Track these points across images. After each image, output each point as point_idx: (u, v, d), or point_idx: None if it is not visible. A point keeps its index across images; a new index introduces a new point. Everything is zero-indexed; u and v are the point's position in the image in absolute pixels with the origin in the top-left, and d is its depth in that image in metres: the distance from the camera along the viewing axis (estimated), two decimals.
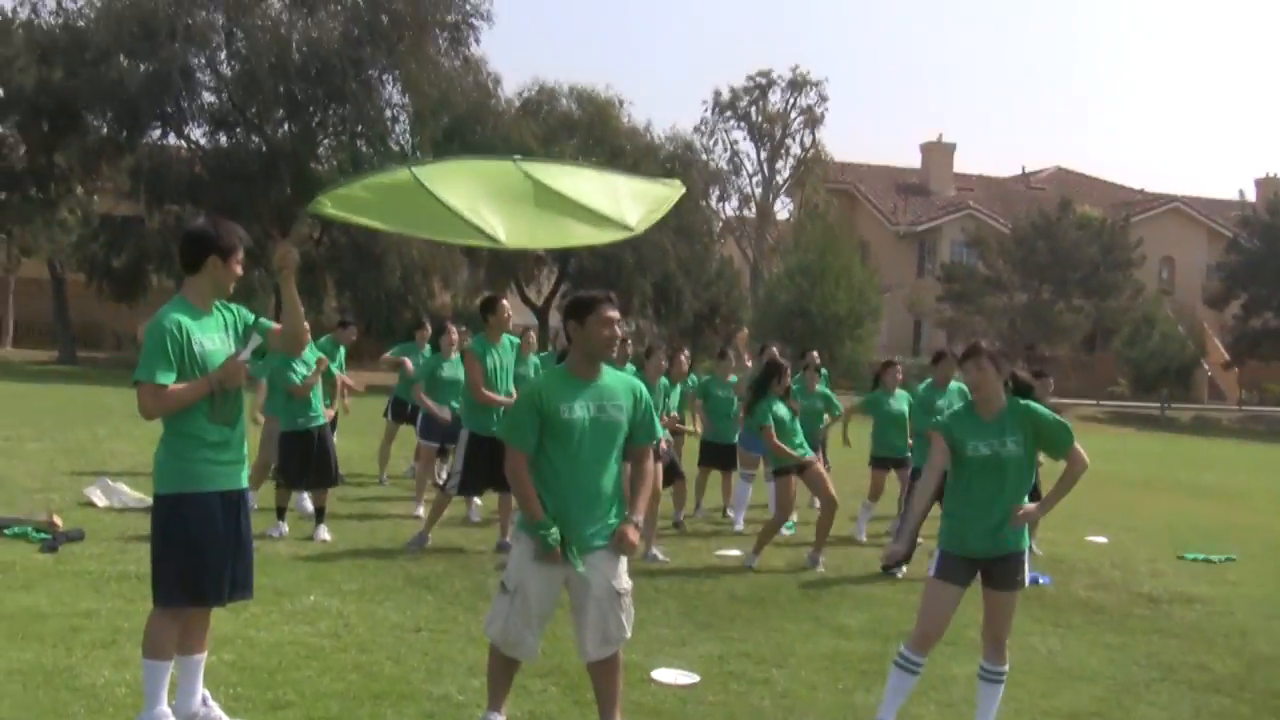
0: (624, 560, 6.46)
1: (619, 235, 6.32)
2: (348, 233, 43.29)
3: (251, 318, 6.34)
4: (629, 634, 6.52)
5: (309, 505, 13.19)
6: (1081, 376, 59.40)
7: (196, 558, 6.06)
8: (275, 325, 6.33)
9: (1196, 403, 58.99)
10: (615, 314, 6.39)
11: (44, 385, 33.79)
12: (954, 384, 13.42)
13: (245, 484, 6.31)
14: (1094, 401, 56.06)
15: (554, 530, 6.19)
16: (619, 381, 6.51)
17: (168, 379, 5.95)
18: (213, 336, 6.15)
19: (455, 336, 14.98)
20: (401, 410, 16.84)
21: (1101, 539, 15.97)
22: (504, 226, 5.92)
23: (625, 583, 6.45)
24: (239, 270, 6.21)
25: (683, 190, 6.80)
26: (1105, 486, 24.11)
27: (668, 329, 49.52)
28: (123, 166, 46.16)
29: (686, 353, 15.62)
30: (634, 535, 6.38)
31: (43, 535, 11.23)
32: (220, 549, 6.13)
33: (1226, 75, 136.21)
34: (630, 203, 6.36)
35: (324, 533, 12.32)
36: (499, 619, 6.40)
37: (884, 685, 7.29)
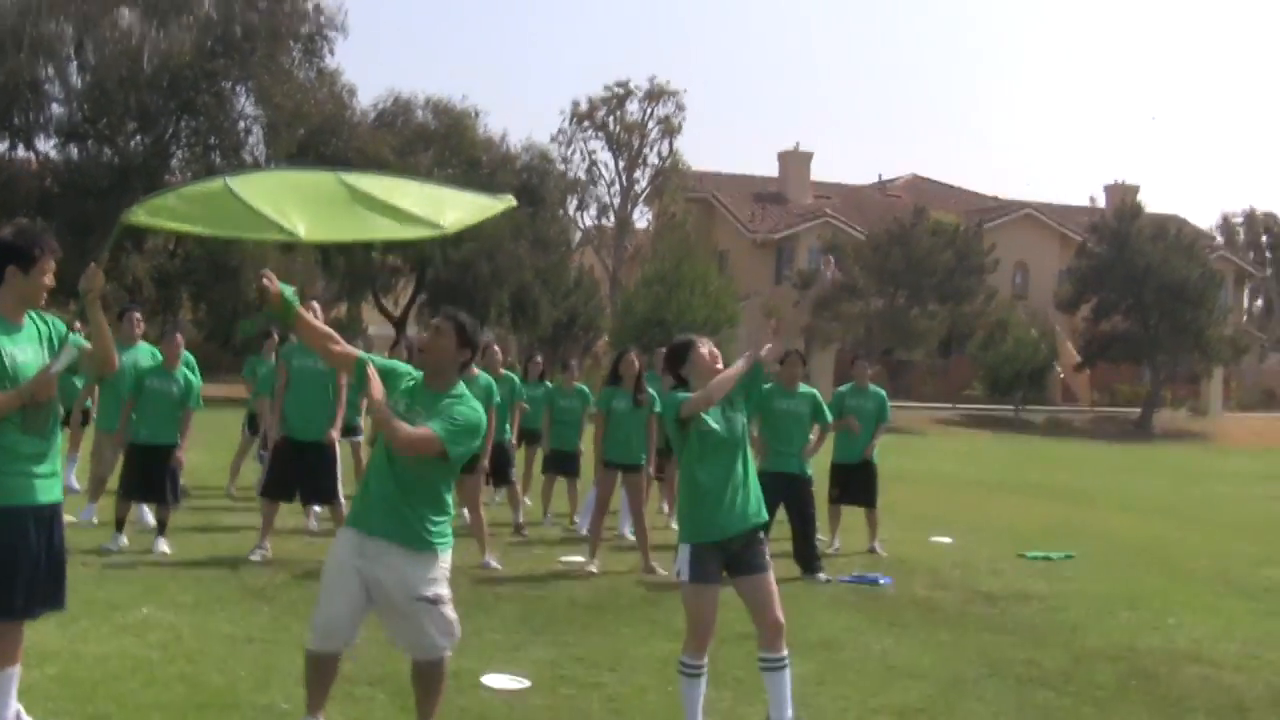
0: (429, 566, 6.38)
1: (427, 232, 6.34)
2: (203, 245, 42.76)
3: (65, 330, 6.27)
4: (446, 645, 6.48)
5: (150, 519, 13.05)
6: (937, 381, 60.29)
7: (6, 571, 5.97)
8: (87, 344, 6.27)
9: (1050, 405, 60.06)
10: (435, 322, 6.60)
11: None
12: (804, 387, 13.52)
13: (59, 497, 6.23)
14: (950, 405, 56.88)
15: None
16: (455, 399, 6.49)
17: None
18: (25, 348, 6.07)
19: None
20: (257, 424, 16.76)
21: (946, 539, 16.20)
22: (305, 223, 5.95)
23: (432, 590, 6.36)
24: (47, 281, 6.11)
25: (512, 203, 6.85)
26: (955, 488, 24.59)
27: (525, 339, 49.53)
28: None
29: (539, 358, 15.96)
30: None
31: None
32: (31, 563, 6.04)
33: (1079, 83, 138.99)
34: (449, 208, 6.40)
35: (163, 545, 12.18)
36: (313, 616, 6.50)
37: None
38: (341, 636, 6.46)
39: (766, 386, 13.14)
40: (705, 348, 7.22)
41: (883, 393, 15.17)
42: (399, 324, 50.02)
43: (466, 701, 7.51)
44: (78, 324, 6.36)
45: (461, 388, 6.54)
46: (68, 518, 12.91)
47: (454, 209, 6.44)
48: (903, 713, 7.92)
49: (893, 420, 15.79)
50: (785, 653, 7.13)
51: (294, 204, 6.09)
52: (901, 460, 27.51)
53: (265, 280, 6.27)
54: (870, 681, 8.67)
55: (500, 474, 14.79)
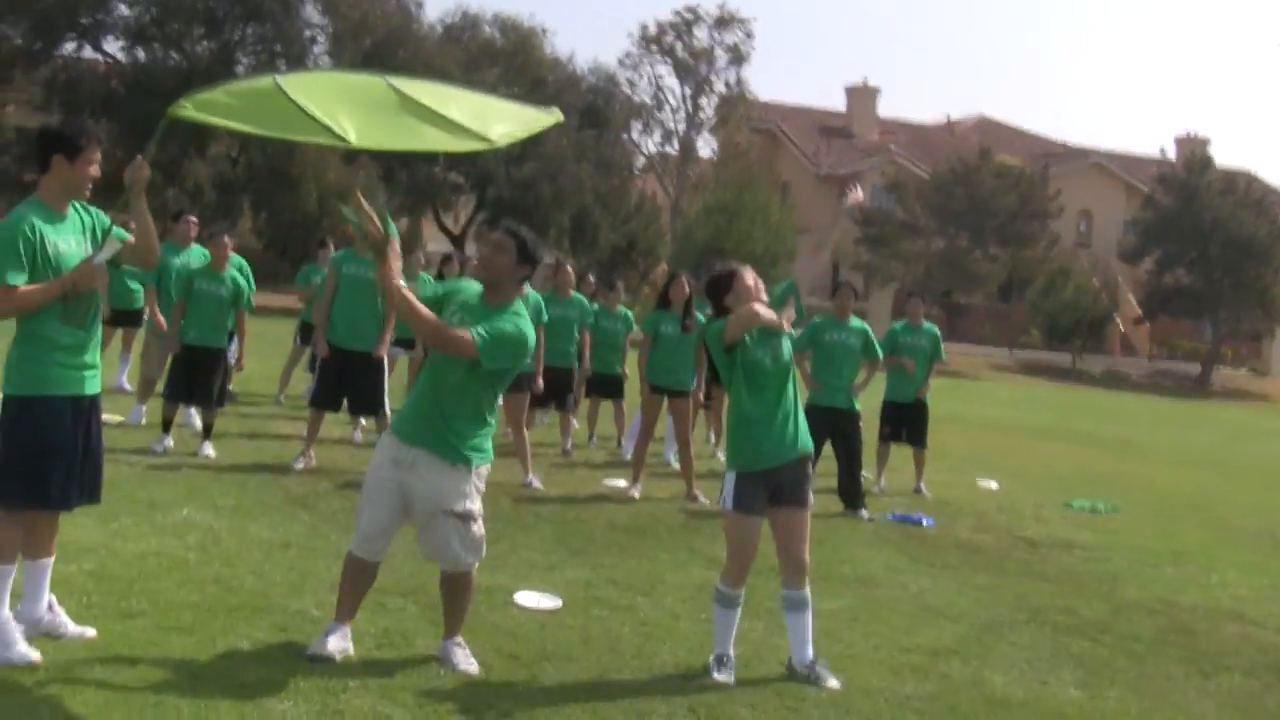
0: (461, 480, 6.39)
1: (476, 145, 6.31)
2: (264, 153, 42.87)
3: (108, 223, 6.24)
4: (470, 559, 6.53)
5: (198, 422, 13.08)
6: (996, 325, 59.88)
7: (42, 461, 5.98)
8: (130, 237, 6.24)
9: (1108, 356, 59.59)
10: (491, 234, 6.60)
11: None
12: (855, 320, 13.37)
13: (97, 390, 6.22)
14: (1007, 350, 56.54)
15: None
16: (513, 313, 6.46)
17: (18, 280, 5.86)
18: (68, 239, 6.06)
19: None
20: (310, 334, 16.72)
21: (993, 484, 16.09)
22: (355, 128, 5.92)
23: (461, 505, 6.38)
24: (91, 171, 6.09)
25: (560, 118, 6.80)
26: (1006, 433, 24.45)
27: (584, 261, 49.42)
28: (36, 78, 45.31)
29: (591, 277, 15.95)
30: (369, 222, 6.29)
31: None
32: (68, 454, 6.05)
33: (1154, 34, 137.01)
34: (496, 120, 6.36)
35: (208, 449, 12.20)
36: (356, 522, 6.57)
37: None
38: (383, 543, 6.53)
39: (817, 319, 13.04)
40: (750, 278, 7.13)
41: (936, 330, 15.01)
42: (458, 241, 49.97)
43: (498, 618, 7.49)
44: (130, 224, 6.31)
45: (519, 305, 6.50)
46: (116, 417, 13.19)
47: (501, 121, 6.41)
48: (935, 652, 7.84)
49: (950, 364, 15.71)
50: (807, 590, 7.06)
51: (344, 108, 6.05)
52: (954, 403, 27.39)
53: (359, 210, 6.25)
54: (905, 620, 8.60)
55: (559, 398, 14.75)
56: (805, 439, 7.12)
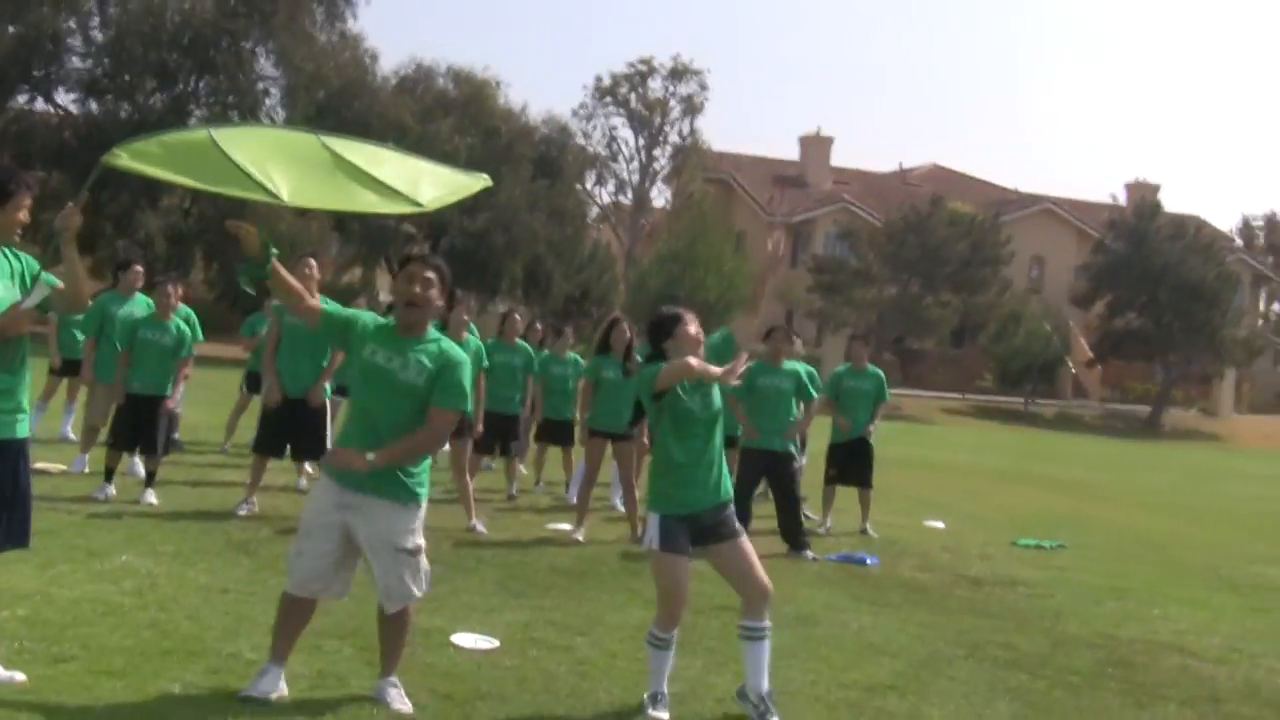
0: (410, 518, 6.48)
1: (407, 209, 6.48)
2: (215, 204, 42.74)
3: (38, 268, 6.27)
4: (418, 593, 6.56)
5: (141, 470, 13.04)
6: (948, 370, 60.21)
7: None
8: (60, 283, 6.26)
9: (1060, 399, 59.98)
10: (418, 271, 6.55)
11: None
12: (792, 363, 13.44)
13: (26, 433, 6.22)
14: (960, 395, 56.84)
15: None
16: (435, 348, 6.55)
17: None
18: None
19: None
20: (256, 382, 16.69)
21: (939, 524, 16.16)
22: (288, 186, 6.04)
23: (410, 541, 6.47)
24: (22, 216, 6.12)
25: (487, 182, 6.93)
26: (956, 475, 24.60)
27: (537, 310, 49.48)
28: None
29: (538, 325, 16.09)
30: (353, 460, 6.35)
31: None
32: None
33: (1105, 80, 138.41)
34: (427, 184, 6.51)
35: (151, 497, 12.17)
36: (291, 562, 6.56)
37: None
38: (320, 584, 6.53)
39: (751, 364, 13.06)
40: (693, 326, 7.17)
41: (880, 373, 15.12)
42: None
43: (434, 659, 7.49)
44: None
45: (434, 334, 6.60)
46: (59, 466, 13.09)
47: (432, 186, 6.56)
48: (872, 688, 7.87)
49: (903, 409, 15.87)
50: (768, 622, 7.07)
51: (278, 165, 6.16)
52: (906, 447, 27.53)
53: (237, 226, 6.32)
54: (843, 657, 8.63)
55: (504, 445, 14.82)
56: (727, 486, 7.16)
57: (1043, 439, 43.79)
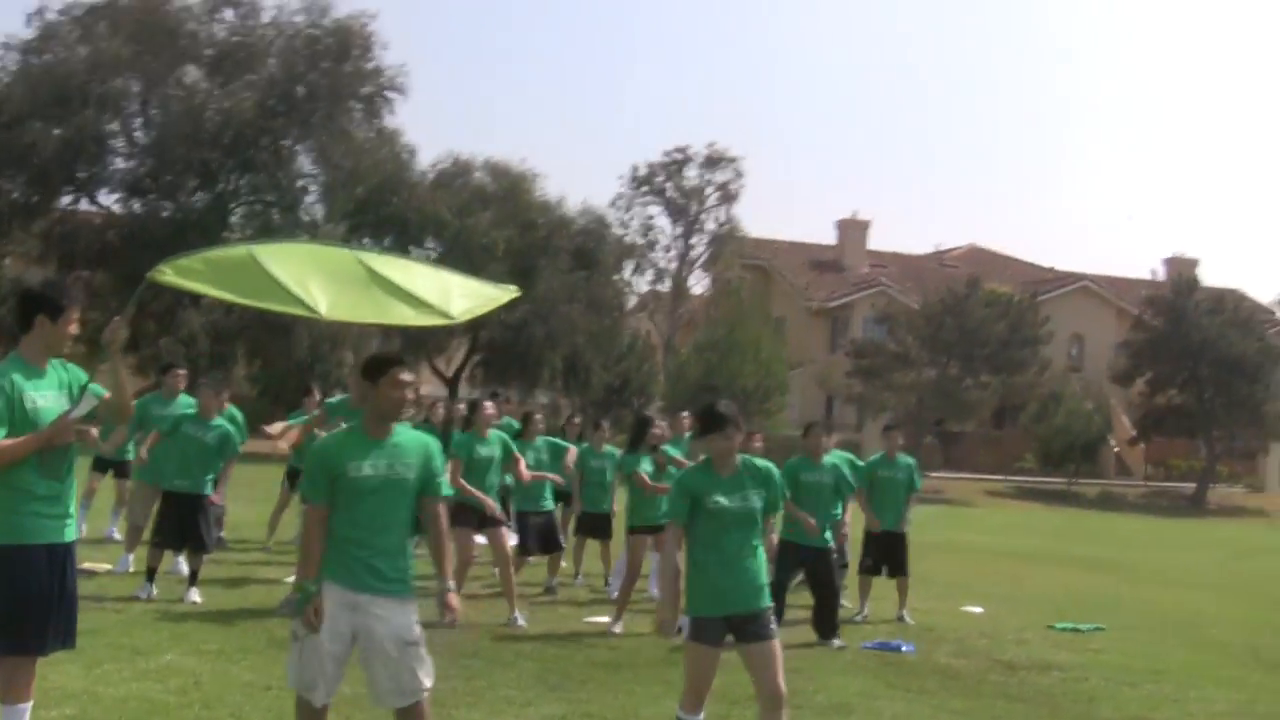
0: (413, 611, 6.63)
1: (438, 321, 6.79)
2: None
3: (85, 379, 6.52)
4: (427, 684, 6.67)
5: (184, 568, 13.26)
6: (990, 452, 59.98)
7: (19, 608, 6.21)
8: (106, 393, 6.52)
9: (1103, 478, 59.62)
10: (408, 377, 6.67)
11: None
12: (832, 455, 13.63)
13: (73, 537, 6.46)
14: (1002, 477, 56.61)
15: (311, 589, 6.46)
16: (410, 439, 6.77)
17: None
18: (46, 394, 6.34)
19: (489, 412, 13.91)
20: (296, 478, 16.88)
21: (977, 609, 16.18)
22: (326, 300, 6.32)
23: (414, 633, 6.62)
24: (72, 330, 6.40)
25: (515, 293, 7.22)
26: (995, 559, 24.51)
27: (577, 402, 49.65)
28: (34, 231, 45.92)
29: (577, 419, 16.14)
30: (454, 601, 6.66)
31: None
32: (44, 601, 6.28)
33: (1142, 156, 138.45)
34: (458, 296, 6.80)
35: (194, 595, 12.39)
36: (293, 665, 6.69)
37: None
38: (334, 688, 6.70)
39: (793, 460, 13.24)
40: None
41: (912, 462, 15.25)
42: (452, 384, 50.28)
43: None
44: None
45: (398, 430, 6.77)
46: (104, 566, 13.33)
47: (463, 298, 6.87)
48: None
49: (944, 491, 15.92)
50: None
51: (315, 279, 6.45)
52: (947, 531, 27.49)
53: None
54: None
55: (549, 542, 14.82)
56: (763, 591, 7.32)
57: (1085, 519, 43.55)
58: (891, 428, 16.05)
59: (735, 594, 7.21)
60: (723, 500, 7.21)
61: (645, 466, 13.20)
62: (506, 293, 7.14)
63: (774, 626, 7.28)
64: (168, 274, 6.46)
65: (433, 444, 6.85)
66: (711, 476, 7.33)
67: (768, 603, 7.31)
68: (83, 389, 6.47)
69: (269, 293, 6.39)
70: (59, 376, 6.46)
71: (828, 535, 13.04)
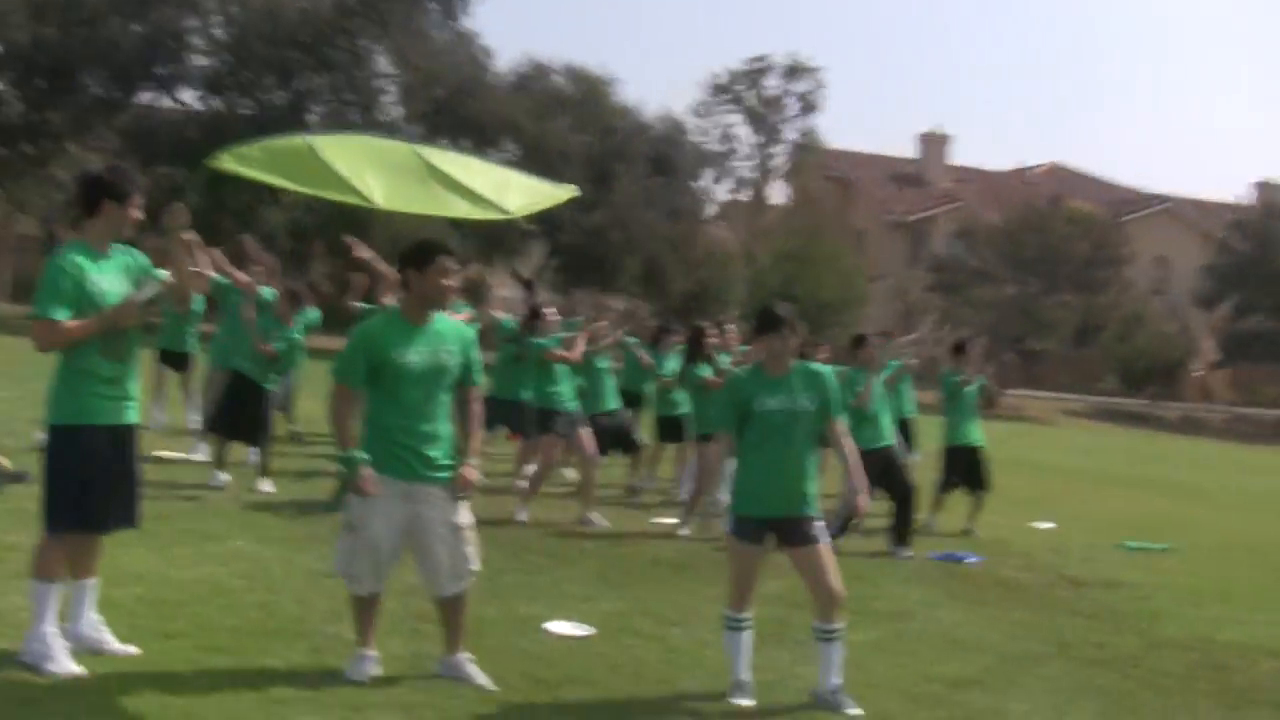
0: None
1: (494, 215, 6.78)
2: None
3: (148, 264, 6.57)
4: (476, 566, 6.83)
5: (258, 459, 13.39)
6: (1070, 371, 59.53)
7: (82, 487, 6.32)
8: (169, 277, 6.56)
9: (1184, 402, 59.08)
10: (455, 265, 6.70)
11: (27, 338, 33.94)
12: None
13: (135, 419, 6.54)
14: (1081, 397, 56.22)
15: (358, 456, 6.55)
16: (448, 327, 6.81)
17: (62, 315, 6.19)
18: (110, 277, 6.38)
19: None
20: None
21: (1048, 525, 16.07)
22: (381, 191, 6.35)
23: (464, 517, 6.74)
24: (136, 214, 6.43)
25: (575, 193, 7.19)
26: (1070, 478, 24.36)
27: (656, 307, 49.53)
28: (115, 126, 46.15)
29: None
30: (471, 474, 6.72)
31: None
32: (105, 480, 6.38)
33: (1230, 78, 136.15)
34: (515, 192, 6.78)
35: (266, 485, 12.52)
36: (343, 555, 6.80)
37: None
38: (385, 577, 6.86)
39: (849, 371, 13.16)
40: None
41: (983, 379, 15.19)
42: (529, 286, 50.27)
43: (528, 644, 7.72)
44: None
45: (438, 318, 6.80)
46: (178, 454, 13.48)
47: (518, 194, 6.88)
48: (957, 683, 7.96)
49: (1024, 409, 15.83)
50: (837, 625, 7.17)
51: (372, 170, 6.49)
52: (1023, 449, 27.33)
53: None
54: (932, 651, 8.73)
55: (626, 442, 14.95)
56: (806, 501, 7.21)
57: (1164, 442, 43.15)
58: (970, 338, 15.92)
59: (775, 498, 7.13)
60: (770, 402, 7.13)
61: (706, 373, 13.19)
62: (565, 191, 7.15)
63: (817, 532, 7.18)
64: (228, 161, 6.57)
65: (469, 332, 6.90)
66: (761, 378, 7.26)
67: (812, 510, 7.20)
68: (146, 273, 6.50)
69: (325, 181, 6.45)
70: (123, 261, 6.49)
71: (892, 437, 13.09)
